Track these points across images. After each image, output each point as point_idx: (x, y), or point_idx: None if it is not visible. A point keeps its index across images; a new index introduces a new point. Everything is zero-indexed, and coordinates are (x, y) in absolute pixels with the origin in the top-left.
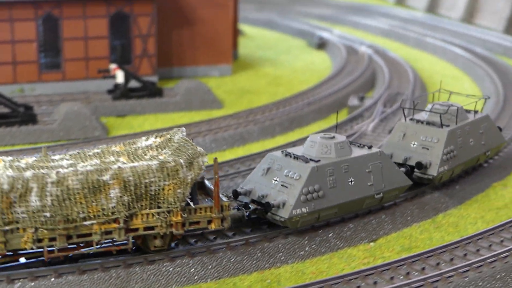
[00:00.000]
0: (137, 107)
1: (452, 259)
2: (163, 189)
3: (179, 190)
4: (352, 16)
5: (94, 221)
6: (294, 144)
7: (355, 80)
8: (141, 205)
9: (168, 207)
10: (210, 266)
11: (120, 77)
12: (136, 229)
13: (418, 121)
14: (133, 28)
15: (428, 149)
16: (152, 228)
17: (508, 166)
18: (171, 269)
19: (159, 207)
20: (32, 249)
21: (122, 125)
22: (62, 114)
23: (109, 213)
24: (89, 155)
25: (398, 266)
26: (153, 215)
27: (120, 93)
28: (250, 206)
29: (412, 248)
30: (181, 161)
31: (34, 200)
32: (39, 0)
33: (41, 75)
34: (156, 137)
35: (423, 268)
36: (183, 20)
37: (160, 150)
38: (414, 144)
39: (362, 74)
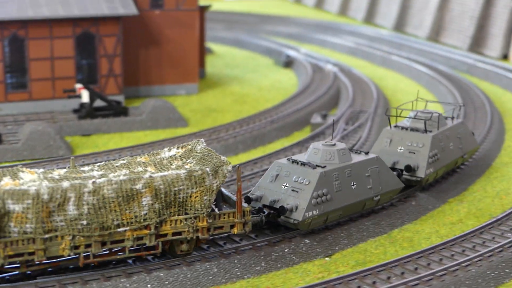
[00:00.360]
0: (103, 126)
1: (403, 273)
2: (190, 196)
3: (205, 197)
4: (320, 35)
5: (127, 228)
6: (255, 162)
7: (319, 98)
8: (170, 212)
9: (195, 213)
10: (167, 282)
11: (85, 96)
12: (165, 235)
13: (403, 127)
14: (99, 48)
15: (414, 153)
16: (179, 233)
17: (464, 182)
18: (128, 285)
19: (186, 213)
20: (69, 255)
21: (87, 144)
22: (27, 134)
23: (141, 220)
24: (116, 166)
25: (349, 280)
26: (181, 221)
27: (85, 112)
28: (264, 211)
29: (367, 262)
30: (207, 169)
31: (71, 209)
32: (5, 21)
33: (7, 95)
34: (178, 148)
35: (374, 282)
36: (150, 40)
37: (184, 160)
38: (400, 149)
39: (327, 92)
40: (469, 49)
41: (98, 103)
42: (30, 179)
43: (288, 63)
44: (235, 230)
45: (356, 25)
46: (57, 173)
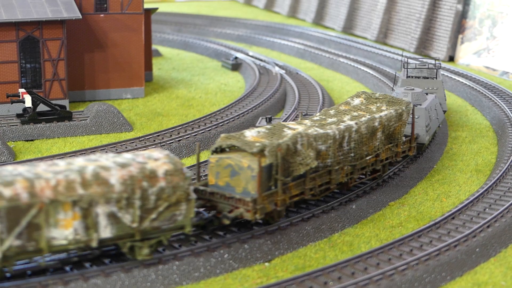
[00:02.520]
0: (46, 131)
1: (340, 278)
2: (395, 129)
3: (402, 129)
4: (269, 37)
5: (371, 156)
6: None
7: (266, 101)
8: (386, 142)
9: (396, 141)
10: None
11: (28, 101)
12: (381, 160)
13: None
14: (43, 52)
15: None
16: (387, 158)
17: (405, 185)
18: None
19: (390, 143)
20: (344, 181)
21: (30, 150)
22: None
23: (377, 150)
24: (333, 113)
25: (287, 286)
26: (390, 148)
27: (28, 117)
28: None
29: (306, 267)
30: (403, 107)
31: (346, 146)
32: None
33: None
34: (358, 97)
35: (311, 287)
36: (95, 44)
37: (376, 104)
38: None
39: (273, 95)
40: (416, 51)
41: (43, 107)
42: (305, 127)
43: (236, 65)
44: (411, 153)
45: (305, 27)
46: (309, 122)
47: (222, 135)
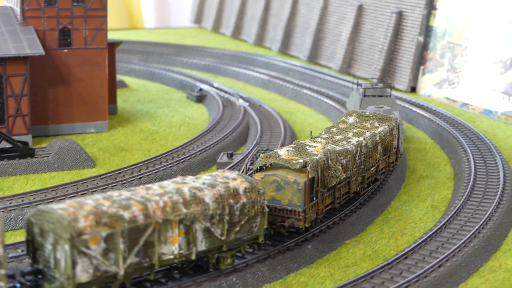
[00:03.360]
0: (8, 168)
1: None
2: (388, 143)
3: (393, 142)
4: (235, 67)
5: (373, 167)
6: None
7: (228, 136)
8: (382, 155)
9: (389, 153)
10: None
11: None
12: (379, 170)
13: None
14: (6, 88)
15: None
16: (383, 168)
17: (362, 222)
18: None
19: (385, 155)
20: (357, 190)
21: None
22: None
23: (377, 161)
24: (336, 131)
25: None
26: (384, 160)
27: None
28: None
29: None
30: (393, 124)
31: (357, 159)
32: None
33: None
34: (351, 116)
35: None
36: (59, 79)
37: (369, 122)
38: None
39: (235, 130)
40: (379, 82)
41: (4, 144)
42: (323, 145)
43: (201, 97)
44: (397, 162)
45: (271, 56)
46: (323, 140)
47: (262, 155)
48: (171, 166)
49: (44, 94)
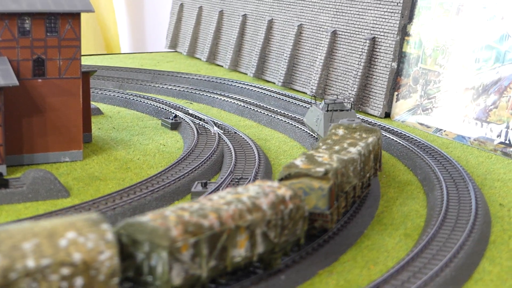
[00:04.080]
0: None
1: None
2: (376, 151)
3: (380, 151)
4: (210, 93)
5: (368, 174)
6: None
7: (202, 164)
8: (372, 163)
9: (376, 161)
10: None
11: None
12: (370, 176)
13: None
14: None
15: None
16: (371, 175)
17: (336, 251)
18: None
19: (373, 163)
20: (359, 195)
21: None
22: None
23: (370, 169)
24: (332, 143)
25: None
26: (372, 167)
27: None
28: None
29: None
30: (379, 134)
31: (358, 167)
32: None
33: None
34: (339, 128)
35: None
36: (33, 108)
37: (357, 133)
38: None
39: (210, 158)
40: (355, 108)
41: None
42: (329, 154)
43: (175, 124)
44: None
45: (246, 81)
46: (327, 151)
47: (284, 166)
48: (145, 196)
49: (19, 124)
